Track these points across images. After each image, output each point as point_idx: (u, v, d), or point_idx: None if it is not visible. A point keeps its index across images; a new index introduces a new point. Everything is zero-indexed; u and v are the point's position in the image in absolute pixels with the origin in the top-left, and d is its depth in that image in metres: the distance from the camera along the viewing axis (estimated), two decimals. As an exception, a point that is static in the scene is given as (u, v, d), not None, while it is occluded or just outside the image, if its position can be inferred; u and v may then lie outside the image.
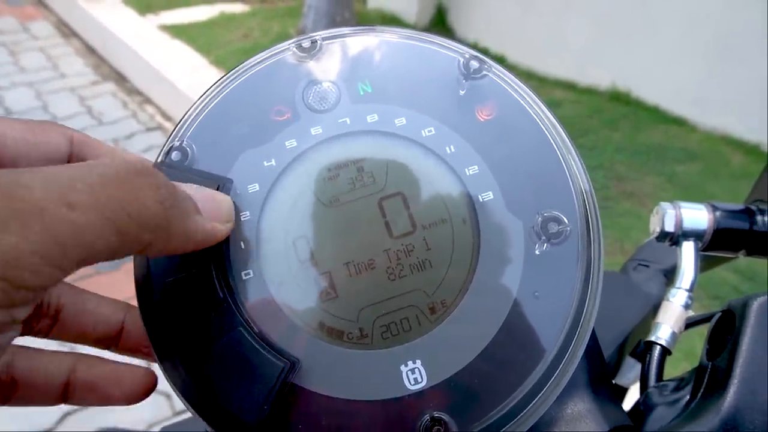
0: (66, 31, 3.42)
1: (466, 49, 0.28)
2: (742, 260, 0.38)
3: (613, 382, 0.44)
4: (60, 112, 2.65)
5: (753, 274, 1.81)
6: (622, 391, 0.44)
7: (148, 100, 2.80)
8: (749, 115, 2.46)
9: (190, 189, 0.23)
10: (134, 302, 0.26)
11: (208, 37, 3.15)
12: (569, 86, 3.04)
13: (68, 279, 0.20)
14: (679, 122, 2.75)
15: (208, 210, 0.23)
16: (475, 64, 0.28)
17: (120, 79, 2.98)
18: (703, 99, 2.67)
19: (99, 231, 0.17)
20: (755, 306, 0.26)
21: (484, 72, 0.28)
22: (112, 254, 0.18)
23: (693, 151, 2.56)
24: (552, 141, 0.27)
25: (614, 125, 2.73)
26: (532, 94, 0.28)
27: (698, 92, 2.68)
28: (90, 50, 3.23)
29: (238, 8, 3.61)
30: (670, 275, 0.49)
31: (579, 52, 3.01)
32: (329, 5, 3.09)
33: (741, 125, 2.52)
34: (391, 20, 3.54)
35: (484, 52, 0.29)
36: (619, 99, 2.91)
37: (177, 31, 3.20)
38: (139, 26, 3.23)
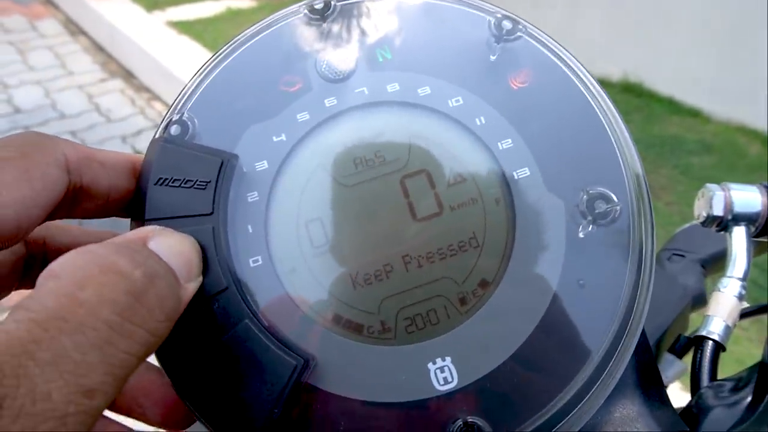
0: (74, 28, 3.42)
1: (497, 8, 0.25)
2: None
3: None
4: (68, 110, 2.64)
5: (773, 268, 1.77)
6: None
7: (156, 97, 2.79)
8: (766, 104, 2.40)
9: (163, 245, 0.19)
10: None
11: (215, 33, 3.13)
12: (581, 78, 2.99)
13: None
14: (693, 113, 2.70)
15: (186, 274, 0.20)
16: (507, 24, 0.25)
17: (128, 76, 2.97)
18: (718, 89, 2.62)
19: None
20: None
21: (519, 33, 0.25)
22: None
23: (708, 142, 2.51)
24: (597, 110, 0.24)
25: (627, 117, 2.64)
26: (573, 59, 0.25)
27: (713, 82, 2.63)
28: (98, 48, 3.22)
29: (245, 3, 3.59)
30: (708, 265, 0.46)
31: (590, 44, 2.95)
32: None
33: (757, 115, 2.47)
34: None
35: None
36: (632, 91, 2.86)
37: (184, 27, 3.18)
38: (146, 23, 3.22)
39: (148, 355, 0.17)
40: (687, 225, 0.50)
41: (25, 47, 3.16)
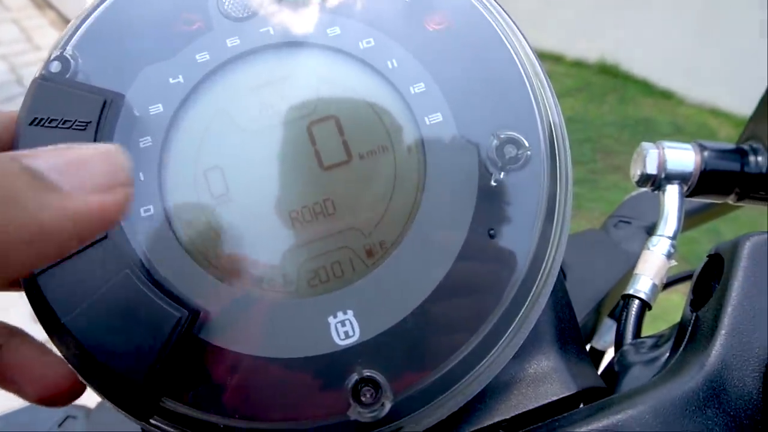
0: (40, 2, 3.30)
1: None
2: (725, 229, 0.34)
3: (590, 345, 0.41)
4: (33, 86, 2.55)
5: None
6: (599, 355, 0.41)
7: (125, 73, 2.72)
8: (738, 87, 2.42)
9: (37, 156, 0.15)
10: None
11: (188, 8, 3.05)
12: (557, 59, 2.98)
13: None
14: (667, 95, 2.72)
15: (74, 179, 0.15)
16: (421, -40, 0.23)
17: (96, 51, 2.89)
18: (692, 72, 2.64)
19: None
20: (748, 246, 0.22)
21: (433, -30, 0.23)
22: None
23: (681, 124, 2.54)
24: (514, 55, 0.23)
25: (602, 99, 2.69)
26: (492, 1, 0.24)
27: (687, 65, 2.65)
28: (65, 21, 3.12)
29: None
30: (653, 232, 0.45)
31: (567, 24, 2.95)
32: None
33: (730, 98, 2.50)
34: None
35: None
36: (608, 72, 2.87)
37: (155, 1, 3.10)
38: (115, -4, 3.12)
39: None
40: (635, 192, 0.49)
41: (-12, 20, 3.05)
